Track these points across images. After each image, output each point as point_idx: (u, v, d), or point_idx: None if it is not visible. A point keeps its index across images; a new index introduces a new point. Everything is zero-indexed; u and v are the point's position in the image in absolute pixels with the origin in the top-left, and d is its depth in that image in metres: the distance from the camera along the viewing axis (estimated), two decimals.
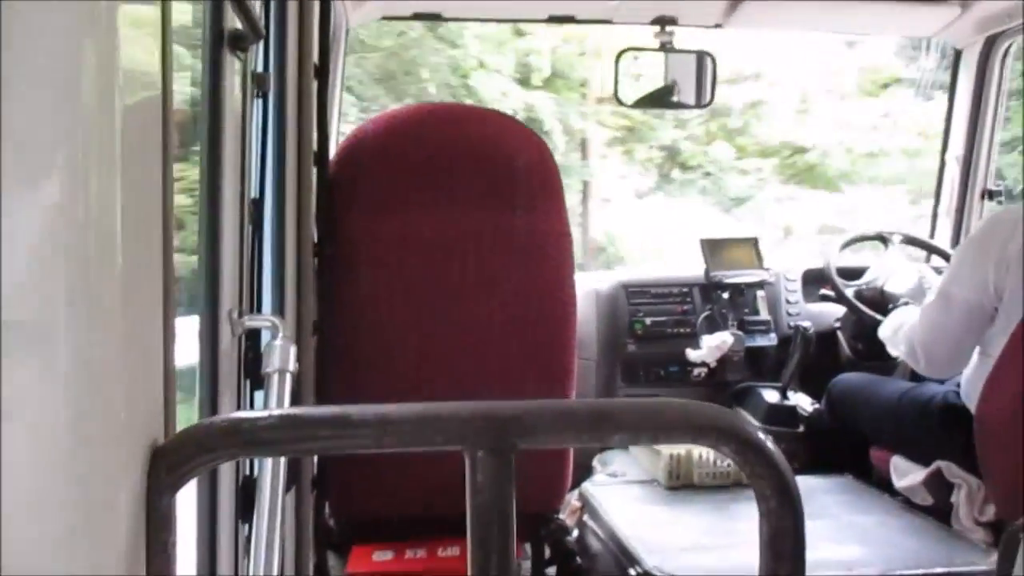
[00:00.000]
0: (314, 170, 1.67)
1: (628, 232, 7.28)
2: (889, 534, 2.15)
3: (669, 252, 6.84)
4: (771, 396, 2.78)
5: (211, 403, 1.11)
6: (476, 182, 1.85)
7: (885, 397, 2.49)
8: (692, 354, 2.78)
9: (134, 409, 0.61)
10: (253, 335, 1.29)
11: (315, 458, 1.75)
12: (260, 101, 1.40)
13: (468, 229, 1.85)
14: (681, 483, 2.42)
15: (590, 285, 2.84)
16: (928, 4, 2.64)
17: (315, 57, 1.65)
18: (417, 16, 2.74)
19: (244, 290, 1.23)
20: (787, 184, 7.67)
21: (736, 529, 2.10)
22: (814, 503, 2.28)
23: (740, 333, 2.80)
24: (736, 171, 7.64)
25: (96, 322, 0.55)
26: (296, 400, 1.32)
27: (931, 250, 2.97)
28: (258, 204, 1.39)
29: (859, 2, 2.60)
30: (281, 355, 1.19)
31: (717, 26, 2.78)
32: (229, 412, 1.14)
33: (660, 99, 2.86)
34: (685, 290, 2.89)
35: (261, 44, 1.35)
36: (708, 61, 2.70)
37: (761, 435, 0.68)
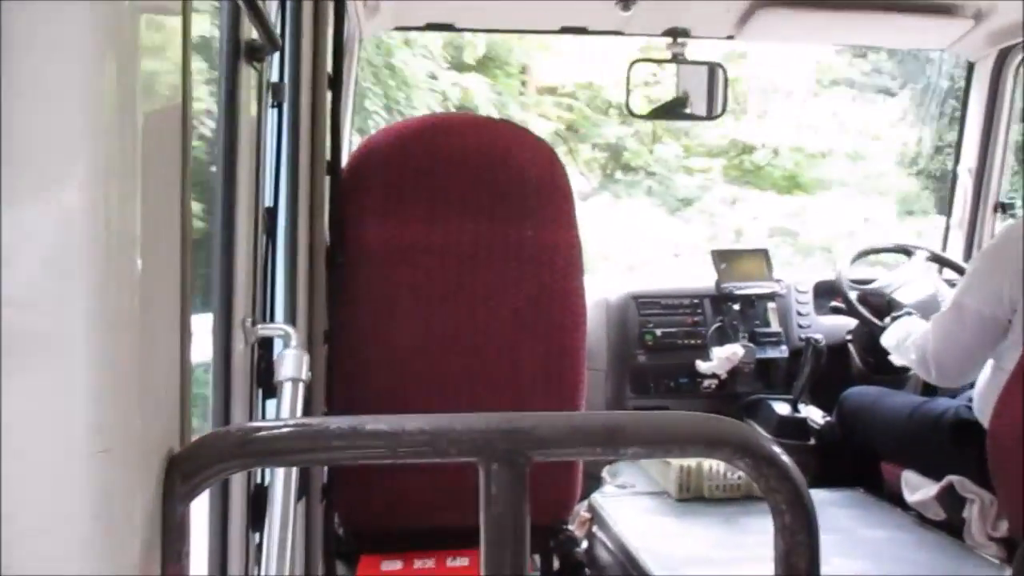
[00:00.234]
0: (327, 179, 1.67)
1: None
2: (901, 549, 2.14)
3: (616, 256, 6.60)
4: (782, 409, 2.77)
5: (224, 411, 1.11)
6: (487, 192, 1.86)
7: (897, 411, 2.48)
8: (702, 365, 2.77)
9: (151, 418, 0.62)
10: (265, 343, 1.29)
11: (325, 468, 1.75)
12: (275, 111, 1.41)
13: (479, 239, 1.85)
14: (691, 495, 2.41)
15: (600, 295, 2.84)
16: (941, 17, 2.64)
17: (329, 67, 1.66)
18: (430, 26, 2.75)
19: (257, 298, 1.23)
20: (736, 185, 7.40)
21: (746, 543, 2.09)
22: (825, 517, 2.25)
23: (751, 345, 2.79)
24: (683, 171, 7.37)
25: (114, 331, 0.56)
26: (307, 409, 1.32)
27: (956, 268, 2.93)
28: (272, 213, 1.39)
29: (871, 14, 2.60)
30: (293, 364, 1.19)
31: (729, 37, 2.78)
32: (241, 420, 1.15)
33: (672, 111, 2.87)
34: (696, 301, 2.88)
35: (276, 55, 1.36)
36: (720, 72, 2.71)
37: (776, 449, 0.68)
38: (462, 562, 1.86)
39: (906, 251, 2.91)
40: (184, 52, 0.69)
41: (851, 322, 2.85)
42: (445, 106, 6.52)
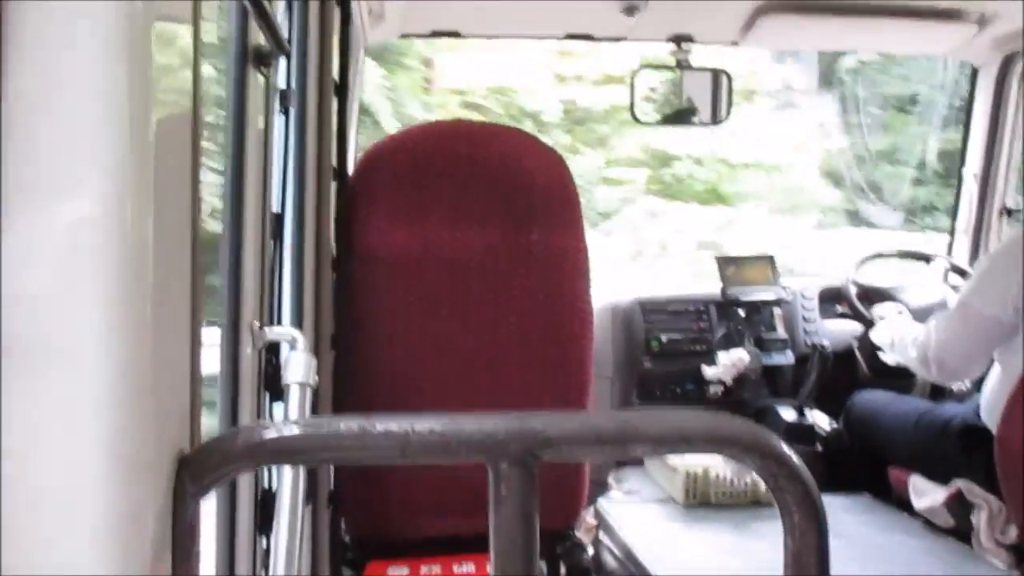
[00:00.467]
0: (333, 185, 1.68)
1: None
2: (909, 555, 2.13)
3: None
4: (789, 415, 2.76)
5: (232, 414, 1.12)
6: (493, 198, 1.86)
7: (904, 416, 2.47)
8: (708, 371, 2.77)
9: (162, 419, 0.62)
10: (272, 348, 1.30)
11: (331, 474, 1.75)
12: (282, 116, 1.42)
13: (485, 245, 1.85)
14: (698, 501, 2.41)
15: (606, 301, 2.84)
16: (946, 23, 2.64)
17: (335, 74, 1.66)
18: (436, 34, 2.76)
19: (265, 303, 1.24)
20: (658, 197, 7.12)
21: (754, 548, 2.09)
22: (833, 522, 2.24)
23: (757, 351, 2.79)
24: (603, 182, 7.04)
25: (127, 335, 0.56)
26: (314, 413, 1.32)
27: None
28: (279, 218, 1.40)
29: (876, 20, 2.60)
30: (300, 367, 1.19)
31: (734, 44, 2.79)
32: (249, 423, 1.15)
33: (678, 117, 2.87)
34: (701, 307, 2.88)
35: (283, 62, 1.37)
36: (724, 78, 2.71)
37: (786, 448, 0.68)
38: (469, 568, 1.85)
39: (925, 258, 2.92)
40: (195, 59, 0.70)
41: (857, 327, 2.85)
42: None
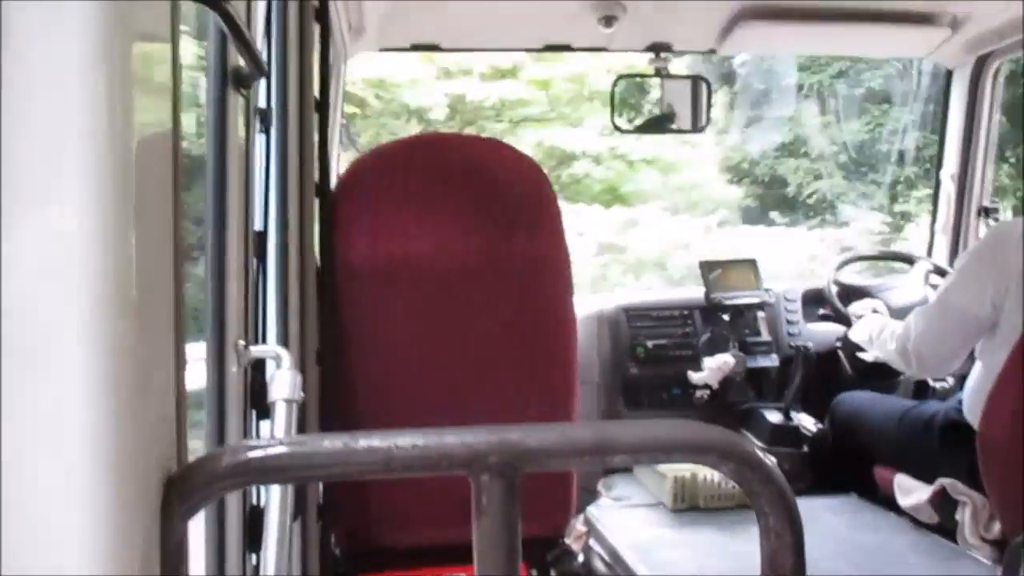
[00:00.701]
0: (316, 201, 1.69)
1: None
2: (895, 553, 2.15)
3: None
4: (774, 417, 2.78)
5: (218, 433, 1.12)
6: (472, 208, 1.87)
7: (888, 415, 2.50)
8: (694, 376, 2.79)
9: (148, 439, 0.63)
10: (258, 365, 1.30)
11: (320, 488, 1.75)
12: (263, 136, 1.43)
13: (466, 254, 1.86)
14: (687, 506, 2.42)
15: (592, 309, 2.85)
16: (919, 26, 2.68)
17: (316, 91, 1.68)
18: (415, 47, 2.78)
19: (249, 321, 1.24)
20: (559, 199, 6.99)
21: (742, 551, 2.10)
22: (819, 523, 2.28)
23: (741, 354, 2.81)
24: None
25: (111, 353, 0.57)
26: (300, 429, 1.33)
27: None
28: (262, 236, 1.40)
29: (851, 24, 2.64)
30: (286, 384, 1.20)
31: (711, 51, 2.82)
32: (236, 442, 1.15)
33: (658, 125, 2.90)
34: (686, 312, 2.90)
35: (263, 80, 1.38)
36: (703, 85, 2.74)
37: (759, 452, 0.69)
38: None
39: (908, 260, 2.96)
40: (174, 78, 0.71)
41: (840, 329, 2.88)
42: None
